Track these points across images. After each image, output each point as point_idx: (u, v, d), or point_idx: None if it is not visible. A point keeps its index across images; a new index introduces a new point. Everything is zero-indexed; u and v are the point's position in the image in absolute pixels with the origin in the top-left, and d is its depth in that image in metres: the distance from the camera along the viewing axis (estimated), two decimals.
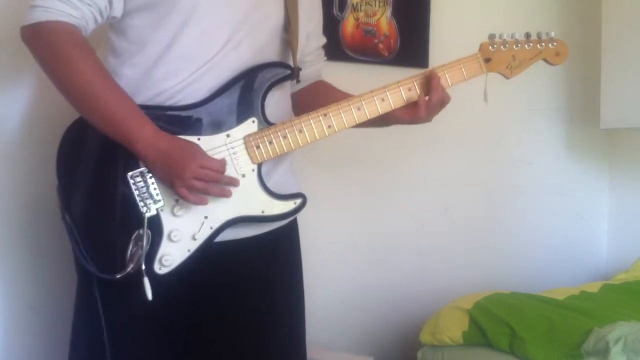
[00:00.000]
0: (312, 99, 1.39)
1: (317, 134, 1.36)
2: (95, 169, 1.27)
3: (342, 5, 2.32)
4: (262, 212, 1.35)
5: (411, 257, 2.50)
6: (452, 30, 2.45)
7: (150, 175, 1.26)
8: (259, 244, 1.40)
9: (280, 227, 1.44)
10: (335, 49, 2.29)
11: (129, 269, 1.23)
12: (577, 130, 2.83)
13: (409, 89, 1.39)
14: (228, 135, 1.32)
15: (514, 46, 1.43)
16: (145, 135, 1.23)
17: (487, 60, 1.42)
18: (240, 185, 1.32)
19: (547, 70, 2.67)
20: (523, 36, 1.44)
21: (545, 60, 1.46)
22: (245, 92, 1.33)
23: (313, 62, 1.60)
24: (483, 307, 1.95)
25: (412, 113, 1.40)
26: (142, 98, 1.28)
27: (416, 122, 1.42)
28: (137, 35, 1.31)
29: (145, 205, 1.26)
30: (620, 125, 2.60)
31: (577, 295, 2.15)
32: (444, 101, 1.40)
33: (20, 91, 1.73)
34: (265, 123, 1.34)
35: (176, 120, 1.28)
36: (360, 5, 2.34)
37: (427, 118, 1.41)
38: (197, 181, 1.24)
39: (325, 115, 1.36)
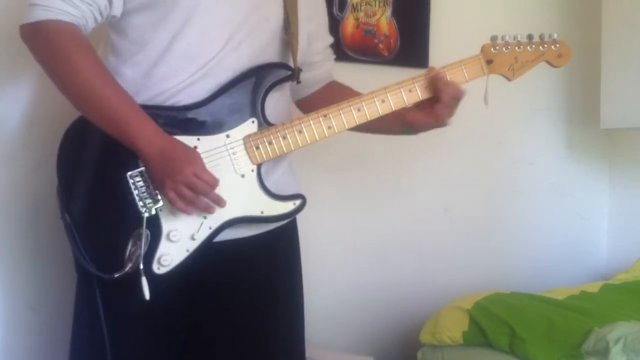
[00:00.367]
0: (329, 101, 1.39)
1: (316, 135, 1.36)
2: (95, 168, 1.27)
3: (342, 5, 2.32)
4: (262, 212, 1.35)
5: (411, 257, 2.50)
6: (452, 30, 2.45)
7: (149, 175, 1.26)
8: (258, 243, 1.40)
9: (280, 226, 1.44)
10: (335, 49, 2.26)
11: (127, 269, 1.23)
12: (577, 130, 2.83)
13: (410, 91, 1.38)
14: (228, 136, 1.32)
15: (516, 48, 1.41)
16: (147, 133, 1.23)
17: (489, 62, 1.41)
18: (239, 185, 1.32)
19: (547, 71, 2.67)
20: (525, 38, 1.42)
21: (547, 62, 1.45)
22: (246, 92, 1.33)
23: (322, 62, 1.60)
24: (483, 307, 1.95)
25: (435, 116, 1.39)
26: (142, 98, 1.28)
27: (441, 124, 1.41)
28: (138, 35, 1.31)
29: (145, 205, 1.26)
30: (620, 125, 2.61)
31: (577, 295, 2.15)
32: (457, 97, 1.38)
33: (21, 91, 1.73)
34: (265, 124, 1.34)
35: (176, 120, 1.28)
36: (360, 5, 2.34)
37: (449, 117, 1.40)
38: (186, 189, 1.24)
39: (325, 116, 1.36)
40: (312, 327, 2.19)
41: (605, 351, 1.60)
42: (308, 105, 1.55)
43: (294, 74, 1.40)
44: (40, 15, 1.22)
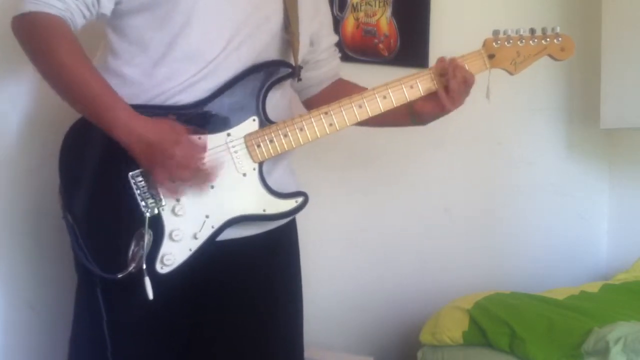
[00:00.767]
0: (336, 99, 1.38)
1: (318, 132, 1.36)
2: (97, 168, 1.27)
3: (342, 5, 2.32)
4: (264, 210, 1.35)
5: (411, 257, 2.50)
6: (452, 30, 2.45)
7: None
8: (258, 243, 1.41)
9: (280, 226, 1.44)
10: None
11: (130, 269, 1.23)
12: (577, 130, 2.83)
13: (411, 87, 1.38)
14: (229, 134, 1.32)
15: (518, 42, 1.41)
16: (121, 122, 1.21)
17: (491, 57, 1.40)
18: (241, 184, 1.32)
19: (547, 71, 2.69)
20: (527, 32, 1.41)
21: (550, 55, 1.44)
22: (246, 91, 1.33)
23: (328, 61, 1.60)
24: (483, 307, 1.95)
25: (438, 104, 1.38)
26: (143, 98, 1.28)
27: (447, 110, 1.40)
28: (138, 36, 1.31)
29: (147, 204, 1.26)
30: (620, 125, 2.60)
31: (577, 295, 2.15)
32: (467, 80, 1.37)
33: (22, 90, 1.73)
34: (266, 122, 1.34)
35: (176, 119, 1.28)
36: (360, 5, 2.34)
37: (456, 104, 1.39)
38: (182, 170, 1.23)
39: (326, 113, 1.36)
40: (312, 327, 2.19)
41: (605, 351, 1.60)
42: (316, 104, 1.55)
43: (294, 72, 1.40)
44: (27, 7, 1.24)
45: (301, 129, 1.35)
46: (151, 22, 1.30)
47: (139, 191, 1.26)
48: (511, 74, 1.43)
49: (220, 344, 1.43)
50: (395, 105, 1.38)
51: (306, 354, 1.56)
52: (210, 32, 1.31)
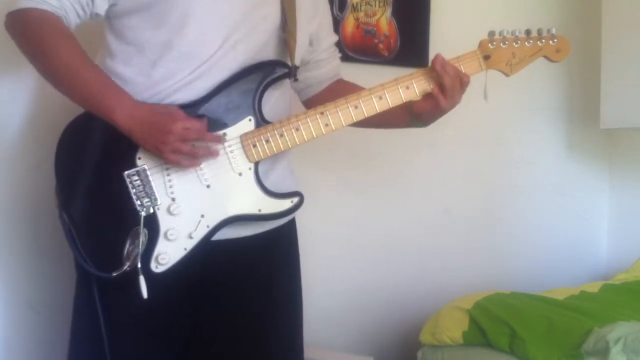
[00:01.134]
0: (335, 99, 1.39)
1: (314, 133, 1.36)
2: (93, 167, 1.28)
3: (342, 5, 2.32)
4: (259, 210, 1.35)
5: (411, 257, 2.50)
6: (452, 30, 2.45)
7: (147, 173, 1.27)
8: (257, 243, 1.41)
9: (279, 226, 1.44)
10: None
11: (125, 267, 1.23)
12: (577, 130, 2.83)
13: (407, 87, 1.38)
14: (225, 134, 1.32)
15: (514, 43, 1.40)
16: (124, 105, 1.23)
17: (487, 58, 1.40)
18: (237, 183, 1.32)
19: (547, 70, 2.69)
20: (523, 33, 1.41)
21: (546, 57, 1.43)
22: (242, 90, 1.33)
23: (328, 61, 1.60)
24: (483, 307, 1.95)
25: (434, 103, 1.38)
26: (140, 98, 1.28)
27: (443, 111, 1.39)
28: (135, 36, 1.31)
29: (142, 204, 1.26)
30: (620, 125, 2.60)
31: (577, 295, 2.15)
32: (462, 80, 1.37)
33: (21, 90, 1.73)
34: (262, 122, 1.35)
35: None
36: (360, 5, 2.34)
37: (451, 102, 1.38)
38: (183, 144, 1.23)
39: (322, 113, 1.36)
40: (312, 327, 2.19)
41: (605, 351, 1.60)
42: (316, 104, 1.54)
43: (290, 72, 1.40)
44: (22, 3, 1.26)
45: (297, 129, 1.35)
46: (147, 22, 1.30)
47: (134, 190, 1.26)
48: (507, 75, 1.43)
49: (220, 343, 1.43)
50: (391, 106, 1.38)
51: (306, 354, 1.56)
52: (206, 31, 1.31)
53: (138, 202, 1.26)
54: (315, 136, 1.36)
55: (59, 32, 1.26)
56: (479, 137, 2.60)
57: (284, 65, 1.39)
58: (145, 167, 1.27)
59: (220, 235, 1.33)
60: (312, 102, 1.60)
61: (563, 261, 2.77)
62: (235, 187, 1.32)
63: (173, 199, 1.29)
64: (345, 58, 2.29)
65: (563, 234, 2.81)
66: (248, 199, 1.34)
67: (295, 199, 1.38)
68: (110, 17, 1.34)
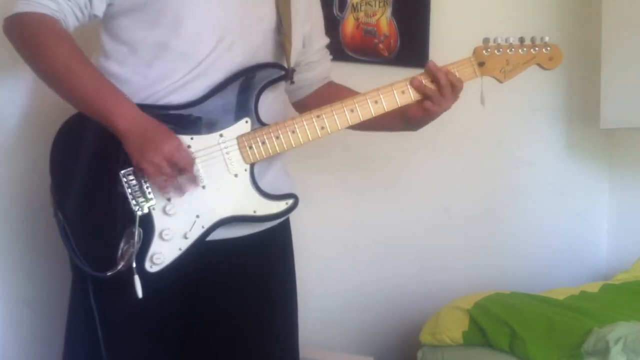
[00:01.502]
0: (327, 101, 1.39)
1: (310, 136, 1.36)
2: (88, 167, 1.28)
3: (342, 5, 2.32)
4: (254, 212, 1.35)
5: (411, 257, 2.50)
6: (452, 31, 2.45)
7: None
8: (252, 243, 1.41)
9: (273, 226, 1.45)
10: (335, 49, 2.26)
11: (119, 267, 1.23)
12: (577, 130, 2.83)
13: (403, 92, 1.39)
14: (221, 135, 1.32)
15: (508, 50, 1.42)
16: (129, 114, 1.23)
17: (481, 64, 1.41)
18: (232, 185, 1.33)
19: (547, 71, 2.68)
20: (517, 40, 1.43)
21: (538, 65, 1.45)
22: (239, 92, 1.33)
23: (319, 63, 1.61)
24: (483, 307, 1.95)
25: (425, 109, 1.39)
26: (136, 98, 1.28)
27: (433, 116, 1.40)
28: (130, 37, 1.32)
29: (137, 203, 1.26)
30: (620, 125, 2.60)
31: (577, 295, 2.14)
32: (455, 86, 1.37)
33: (18, 89, 1.73)
34: (259, 123, 1.35)
35: (169, 119, 1.29)
36: (360, 5, 2.34)
37: (442, 108, 1.39)
38: (167, 164, 1.23)
39: (318, 116, 1.36)
40: (312, 327, 2.20)
41: (605, 351, 1.60)
42: (306, 106, 1.56)
43: (287, 74, 1.40)
44: (20, 7, 1.25)
45: (293, 132, 1.35)
46: (142, 23, 1.30)
47: (130, 190, 1.26)
48: (500, 81, 1.44)
49: (215, 344, 1.43)
50: (386, 110, 1.39)
51: (306, 354, 1.56)
52: (200, 31, 1.31)
53: (133, 202, 1.26)
54: (311, 139, 1.37)
55: (57, 35, 1.25)
56: (479, 137, 2.60)
57: (281, 67, 1.39)
58: None
59: (215, 235, 1.33)
60: (302, 104, 1.61)
61: (563, 261, 2.77)
62: (230, 188, 1.33)
63: (168, 199, 1.29)
64: (345, 58, 2.31)
65: (563, 234, 2.81)
66: (243, 200, 1.34)
67: (290, 201, 1.38)
68: (106, 17, 1.34)
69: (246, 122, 1.34)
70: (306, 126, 1.36)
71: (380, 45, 2.38)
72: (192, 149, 1.29)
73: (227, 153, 1.32)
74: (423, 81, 1.38)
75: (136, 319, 1.31)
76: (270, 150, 1.35)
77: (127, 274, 1.24)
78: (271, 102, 1.41)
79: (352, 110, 1.37)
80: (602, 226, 2.92)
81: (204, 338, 1.43)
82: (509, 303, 1.97)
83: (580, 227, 2.87)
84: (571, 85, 2.80)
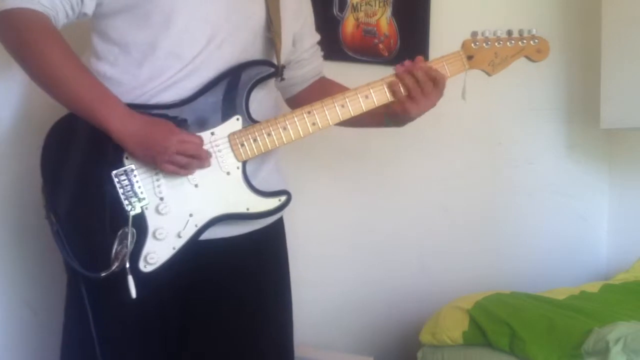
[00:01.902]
0: (319, 98, 1.39)
1: (301, 132, 1.36)
2: (80, 167, 1.27)
3: (342, 5, 2.32)
4: (247, 209, 1.35)
5: (411, 257, 2.50)
6: (452, 31, 2.43)
7: (135, 173, 1.27)
8: (246, 242, 1.41)
9: (267, 226, 1.45)
10: (335, 49, 2.29)
11: (113, 268, 1.23)
12: (577, 130, 2.83)
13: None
14: (213, 133, 1.32)
15: (496, 43, 1.43)
16: (117, 115, 1.23)
17: (470, 58, 1.42)
18: (225, 183, 1.33)
19: (547, 70, 2.69)
20: (505, 33, 1.44)
21: (527, 57, 1.45)
22: (230, 90, 1.33)
23: (310, 60, 1.61)
24: (483, 307, 1.95)
25: (401, 106, 1.38)
26: (127, 98, 1.28)
27: (411, 113, 1.39)
28: (120, 37, 1.31)
29: (130, 203, 1.26)
30: (621, 125, 2.60)
31: (577, 295, 2.15)
32: (436, 80, 1.36)
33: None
34: (250, 121, 1.35)
35: (160, 118, 1.28)
36: (360, 5, 2.34)
37: (424, 104, 1.37)
38: (180, 156, 1.24)
39: (309, 112, 1.37)
40: (312, 327, 2.20)
41: (605, 351, 1.60)
42: (299, 102, 1.56)
43: (277, 71, 1.41)
44: (10, 3, 1.23)
45: (284, 128, 1.35)
46: (132, 22, 1.30)
47: (122, 190, 1.26)
48: (489, 74, 1.45)
49: (210, 344, 1.43)
50: (377, 105, 1.39)
51: (306, 354, 1.56)
52: (190, 30, 1.31)
53: (126, 202, 1.26)
54: (302, 135, 1.37)
55: (50, 34, 1.24)
56: (479, 136, 2.60)
57: (271, 64, 1.39)
58: (133, 166, 1.27)
59: (209, 235, 1.33)
60: (295, 100, 1.62)
61: (563, 261, 2.77)
62: (223, 186, 1.33)
63: (161, 199, 1.29)
64: (345, 58, 2.31)
65: (563, 234, 2.81)
66: (236, 198, 1.34)
67: (283, 198, 1.38)
68: (96, 17, 1.33)
69: (237, 119, 1.34)
70: (297, 122, 1.36)
71: (380, 45, 2.38)
72: None
73: (219, 151, 1.32)
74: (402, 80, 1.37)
75: (131, 319, 1.31)
76: (262, 148, 1.35)
77: (122, 274, 1.24)
78: (262, 99, 1.41)
79: (342, 106, 1.37)
80: (602, 226, 2.92)
81: (199, 338, 1.42)
82: (509, 303, 1.97)
83: (580, 227, 2.87)
84: (571, 85, 2.80)
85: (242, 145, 1.34)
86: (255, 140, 1.34)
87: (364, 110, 1.38)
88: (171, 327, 1.39)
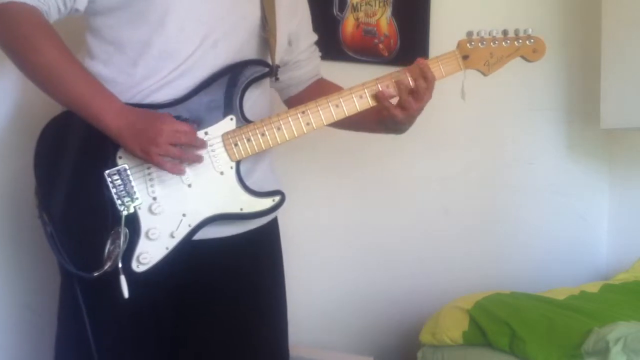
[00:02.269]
0: (316, 98, 1.39)
1: (295, 132, 1.36)
2: (73, 167, 1.27)
3: (342, 5, 2.32)
4: (241, 209, 1.35)
5: (411, 257, 2.50)
6: (452, 31, 2.42)
7: (128, 173, 1.26)
8: (241, 242, 1.41)
9: (261, 226, 1.45)
10: (335, 49, 2.29)
11: (106, 267, 1.23)
12: (577, 130, 2.83)
13: (387, 87, 1.38)
14: (206, 133, 1.32)
15: (492, 43, 1.42)
16: (114, 108, 1.22)
17: (465, 57, 1.41)
18: (218, 182, 1.33)
19: (547, 70, 2.69)
20: (500, 33, 1.42)
21: (523, 57, 1.44)
22: (224, 89, 1.33)
23: (308, 61, 1.61)
24: (483, 307, 1.94)
25: (388, 112, 1.38)
26: (122, 97, 1.27)
27: (397, 119, 1.38)
28: (114, 36, 1.31)
29: (123, 203, 1.26)
30: (621, 125, 2.60)
31: (577, 295, 2.14)
32: (423, 73, 1.35)
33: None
34: (244, 120, 1.35)
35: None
36: (360, 5, 2.34)
37: (408, 113, 1.37)
38: (172, 147, 1.23)
39: (303, 112, 1.36)
40: (312, 327, 2.20)
41: (605, 351, 1.60)
42: (297, 103, 1.55)
43: (271, 71, 1.40)
44: None
45: (278, 128, 1.35)
46: (127, 21, 1.30)
47: (115, 190, 1.26)
48: (484, 74, 1.44)
49: (205, 345, 1.43)
50: (371, 105, 1.38)
51: (306, 354, 1.56)
52: (185, 30, 1.31)
53: (119, 202, 1.26)
54: (296, 135, 1.36)
55: (43, 28, 1.23)
56: (479, 136, 2.60)
57: (265, 64, 1.39)
58: (126, 166, 1.27)
59: (203, 235, 1.33)
60: (293, 101, 1.62)
61: (563, 261, 2.77)
62: (216, 186, 1.33)
63: (154, 198, 1.28)
64: (345, 58, 2.31)
65: (563, 234, 2.81)
66: (230, 198, 1.34)
67: (277, 198, 1.38)
68: (89, 16, 1.33)
69: (231, 119, 1.34)
70: (291, 122, 1.36)
71: (380, 45, 2.38)
72: None
73: (212, 151, 1.32)
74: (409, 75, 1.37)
75: (125, 319, 1.31)
76: (255, 148, 1.34)
77: (115, 274, 1.24)
78: (256, 99, 1.41)
79: (337, 106, 1.37)
80: (602, 226, 2.92)
81: (193, 337, 1.42)
82: (509, 303, 1.97)
83: (580, 227, 2.87)
84: (571, 85, 2.80)
85: (236, 145, 1.33)
86: (249, 140, 1.34)
87: (359, 110, 1.38)
88: (166, 327, 1.39)
